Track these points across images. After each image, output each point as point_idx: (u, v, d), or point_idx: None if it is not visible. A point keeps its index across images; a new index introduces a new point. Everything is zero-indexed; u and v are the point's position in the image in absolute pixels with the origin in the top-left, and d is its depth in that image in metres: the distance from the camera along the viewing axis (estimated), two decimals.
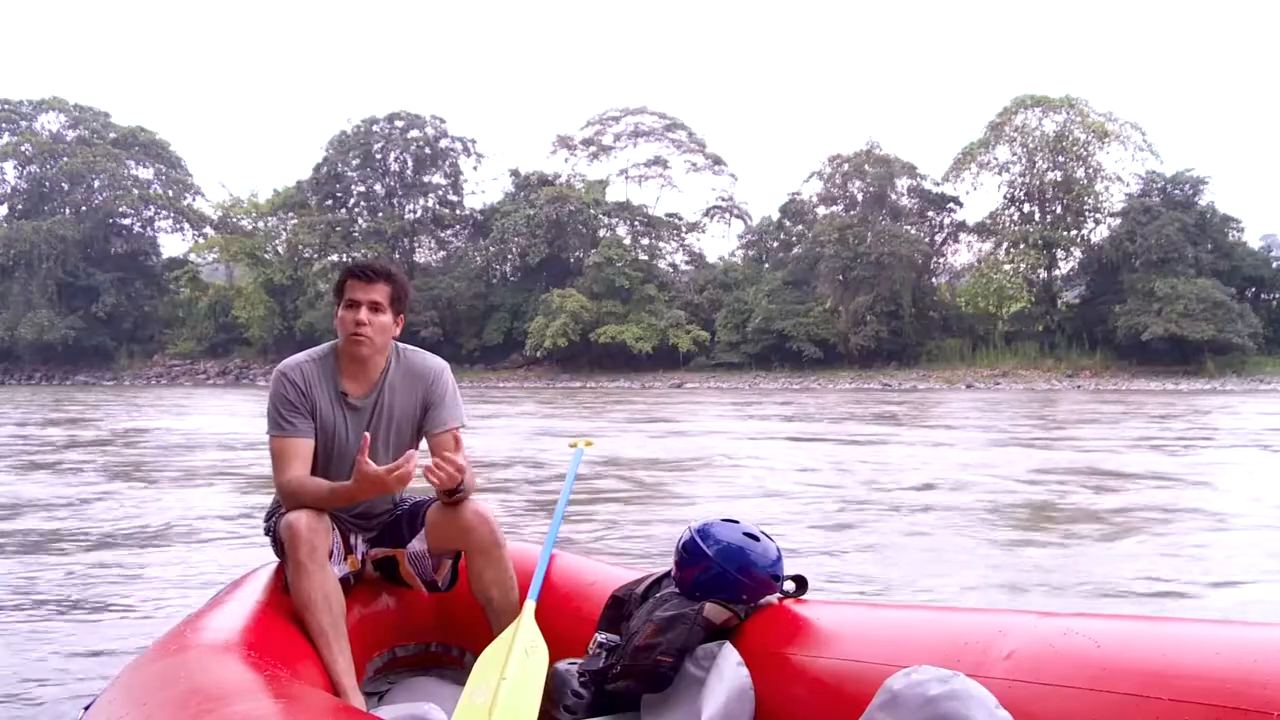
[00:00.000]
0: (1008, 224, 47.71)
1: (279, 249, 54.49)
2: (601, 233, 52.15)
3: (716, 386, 42.02)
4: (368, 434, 2.48)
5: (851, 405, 25.09)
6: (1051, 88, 49.33)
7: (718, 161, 55.04)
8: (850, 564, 5.23)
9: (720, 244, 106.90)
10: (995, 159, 47.35)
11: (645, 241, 53.48)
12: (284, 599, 2.51)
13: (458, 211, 56.24)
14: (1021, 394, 33.83)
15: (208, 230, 58.76)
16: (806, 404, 26.24)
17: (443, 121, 55.81)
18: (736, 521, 2.38)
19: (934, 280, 49.45)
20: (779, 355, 45.60)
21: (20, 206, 57.63)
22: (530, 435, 14.78)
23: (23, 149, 57.24)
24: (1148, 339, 39.85)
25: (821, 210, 49.63)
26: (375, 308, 2.63)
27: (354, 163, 55.17)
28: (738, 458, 11.24)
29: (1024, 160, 46.81)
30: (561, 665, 2.41)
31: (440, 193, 56.10)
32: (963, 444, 13.22)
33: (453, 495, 2.62)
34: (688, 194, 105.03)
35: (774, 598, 2.31)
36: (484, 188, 74.48)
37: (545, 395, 33.42)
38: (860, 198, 48.14)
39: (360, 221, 54.89)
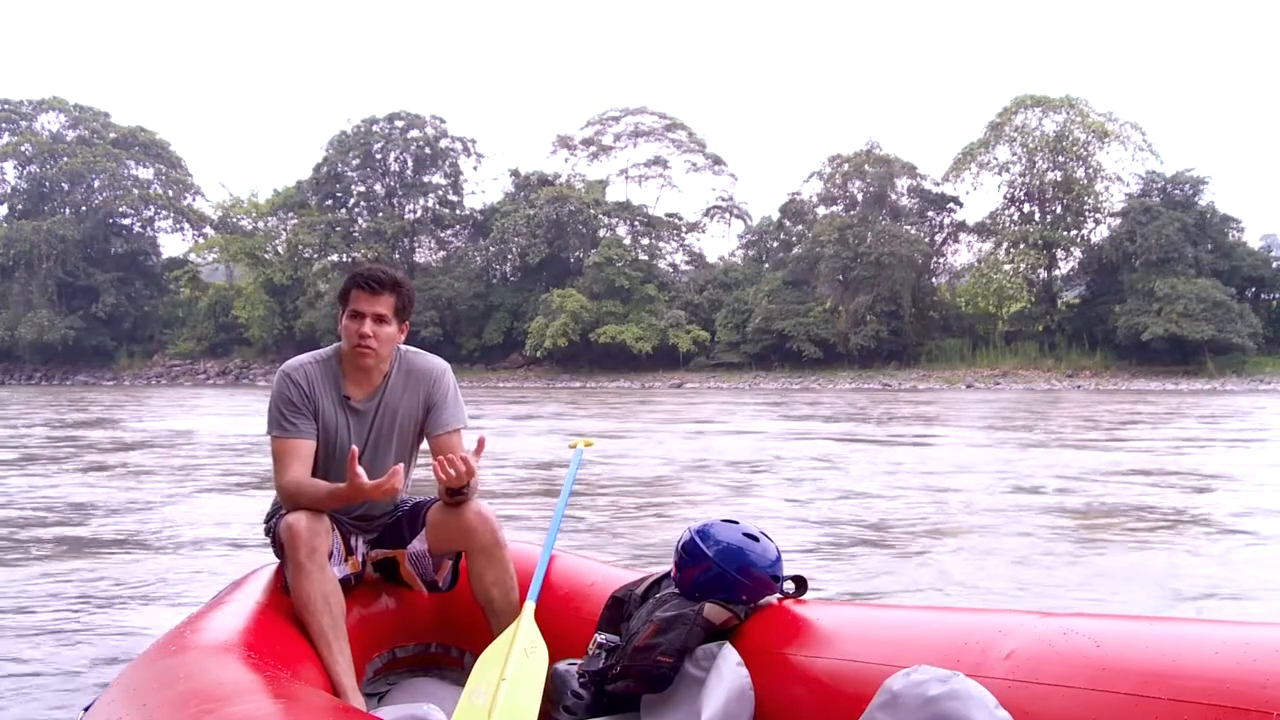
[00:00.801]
0: (1008, 224, 47.72)
1: (279, 249, 54.49)
2: (601, 233, 52.15)
3: (716, 386, 42.01)
4: (355, 448, 2.47)
5: (886, 405, 24.73)
6: (1051, 88, 49.46)
7: (718, 161, 55.09)
8: (968, 568, 5.11)
9: (720, 244, 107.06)
10: (995, 159, 47.38)
11: (645, 241, 53.48)
12: (284, 600, 2.51)
13: (458, 211, 56.24)
14: (1029, 394, 33.80)
15: (208, 230, 58.75)
16: (836, 403, 25.99)
17: (443, 121, 55.88)
18: (736, 522, 2.38)
19: (934, 280, 49.45)
20: (779, 355, 45.60)
21: (20, 206, 57.61)
22: (565, 436, 14.62)
23: (23, 149, 57.22)
24: (1148, 339, 39.85)
25: (821, 210, 49.64)
26: (380, 319, 2.63)
27: (354, 163, 55.17)
28: (805, 458, 10.97)
29: (1024, 160, 46.82)
30: (561, 666, 2.41)
31: (440, 193, 56.09)
32: (1014, 444, 13.05)
33: (455, 495, 2.62)
34: (688, 194, 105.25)
35: (774, 598, 2.32)
36: (484, 188, 74.55)
37: (571, 396, 33.00)
38: (860, 198, 48.15)
39: (360, 221, 54.89)
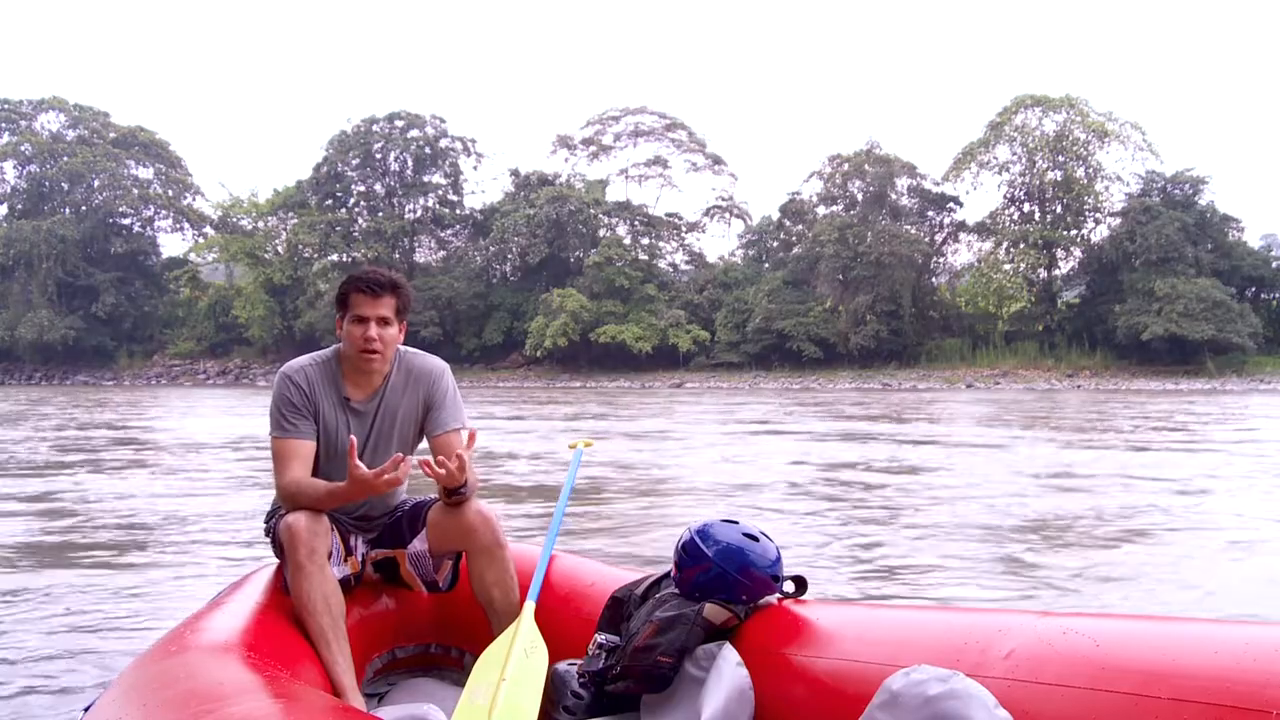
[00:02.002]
0: (1008, 224, 47.70)
1: (279, 249, 54.45)
2: (601, 232, 52.15)
3: (716, 386, 42.01)
4: (354, 438, 2.49)
5: (930, 406, 24.25)
6: (1051, 88, 49.43)
7: (718, 161, 55.07)
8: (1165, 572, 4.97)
9: (720, 244, 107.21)
10: (995, 159, 47.35)
11: (645, 241, 53.46)
12: (284, 600, 2.51)
13: (458, 211, 56.24)
14: (1037, 394, 33.76)
15: (208, 230, 58.70)
16: (874, 403, 25.59)
17: (443, 121, 55.86)
18: (736, 522, 2.38)
19: (934, 280, 49.44)
20: (779, 355, 45.60)
21: (20, 206, 57.59)
22: (626, 436, 14.27)
23: (23, 149, 57.21)
24: (1148, 339, 39.83)
25: (821, 210, 49.62)
26: (384, 322, 2.64)
27: (354, 162, 55.15)
28: (927, 463, 10.48)
29: (1024, 160, 46.81)
30: (561, 666, 2.41)
31: (440, 193, 56.08)
32: (1095, 445, 12.77)
33: (453, 495, 2.63)
34: (688, 194, 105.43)
35: (773, 598, 2.32)
36: (484, 188, 74.81)
37: (606, 395, 32.71)
38: (860, 198, 48.13)
39: (360, 221, 54.87)
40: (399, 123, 55.20)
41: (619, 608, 2.46)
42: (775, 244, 53.17)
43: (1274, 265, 44.71)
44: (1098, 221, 46.99)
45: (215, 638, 2.15)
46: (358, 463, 2.42)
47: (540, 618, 2.54)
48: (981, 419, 19.11)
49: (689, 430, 15.95)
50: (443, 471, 2.50)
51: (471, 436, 2.63)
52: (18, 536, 6.03)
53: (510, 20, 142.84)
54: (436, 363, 2.83)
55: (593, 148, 55.66)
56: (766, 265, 51.95)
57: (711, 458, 11.40)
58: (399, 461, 2.40)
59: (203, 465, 10.45)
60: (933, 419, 18.74)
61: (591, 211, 51.33)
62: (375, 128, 54.94)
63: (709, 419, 19.22)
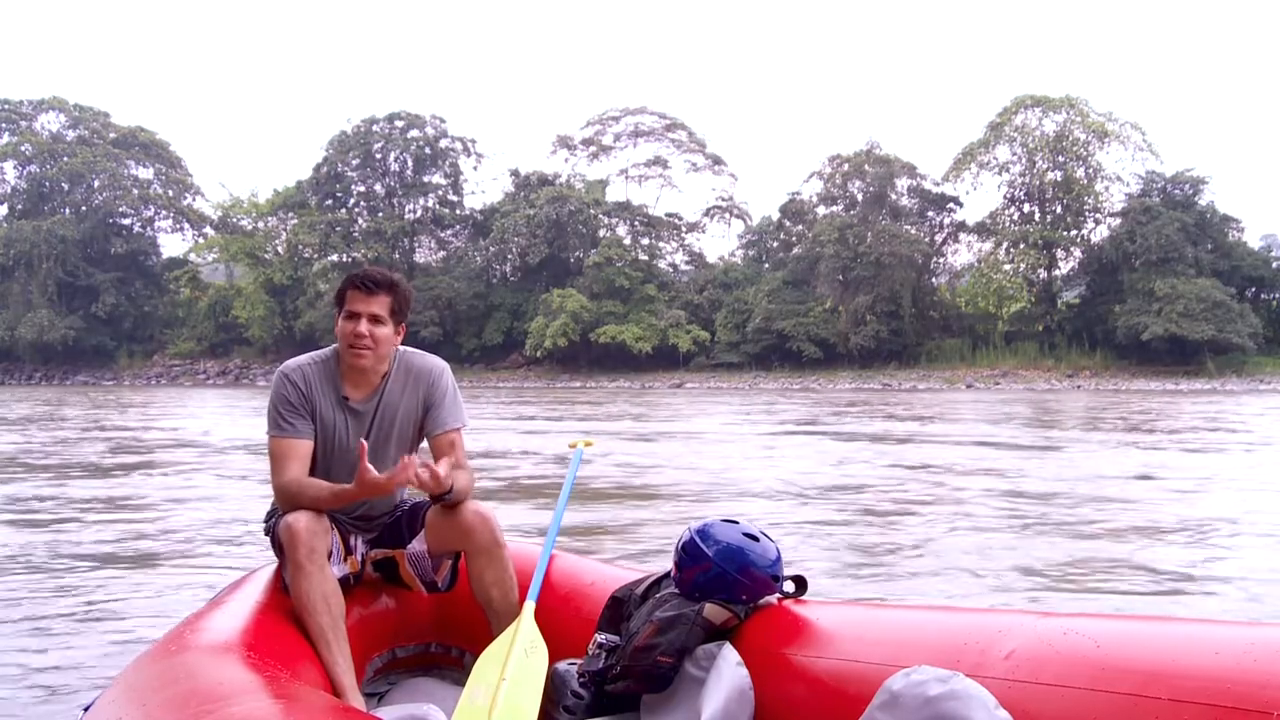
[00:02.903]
0: (1008, 224, 47.71)
1: (279, 249, 54.47)
2: (601, 233, 52.15)
3: (716, 387, 42.02)
4: (364, 441, 2.48)
5: (963, 406, 23.99)
6: (1051, 88, 49.44)
7: (718, 161, 55.07)
8: None
9: (720, 244, 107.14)
10: (995, 159, 47.36)
11: (645, 241, 53.46)
12: (284, 600, 2.51)
13: (458, 211, 56.24)
14: (1042, 393, 33.74)
15: (208, 230, 58.69)
16: (906, 403, 25.30)
17: (443, 121, 55.87)
18: (736, 522, 2.38)
19: (934, 280, 49.44)
20: (779, 355, 45.60)
21: (20, 206, 57.58)
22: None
23: (23, 149, 57.20)
24: (1148, 339, 39.83)
25: (821, 210, 49.62)
26: (375, 320, 2.63)
27: (354, 163, 55.15)
28: (1007, 470, 10.02)
29: (1024, 160, 46.81)
30: (561, 665, 2.41)
31: (440, 193, 56.08)
32: (1152, 446, 12.62)
33: (440, 499, 2.63)
34: (688, 194, 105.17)
35: (773, 598, 2.32)
36: (484, 188, 74.65)
37: (628, 395, 32.41)
38: (860, 198, 48.13)
39: (360, 221, 54.87)
40: (399, 123, 55.20)
41: (619, 608, 2.46)
42: (775, 244, 53.19)
43: (1274, 265, 44.71)
44: (1098, 222, 47.06)
45: (215, 638, 2.15)
46: (369, 466, 2.42)
47: (540, 617, 2.54)
48: (1027, 420, 18.93)
49: (738, 433, 15.72)
50: (415, 482, 2.47)
51: (453, 443, 2.65)
52: (17, 536, 6.03)
53: (510, 20, 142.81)
54: (436, 362, 2.82)
55: (593, 148, 55.67)
56: (766, 265, 51.96)
57: (794, 460, 11.17)
58: (409, 465, 2.40)
59: (209, 465, 10.45)
60: (978, 419, 18.58)
61: (591, 212, 51.32)
62: (375, 128, 54.95)
63: (750, 420, 19.07)
